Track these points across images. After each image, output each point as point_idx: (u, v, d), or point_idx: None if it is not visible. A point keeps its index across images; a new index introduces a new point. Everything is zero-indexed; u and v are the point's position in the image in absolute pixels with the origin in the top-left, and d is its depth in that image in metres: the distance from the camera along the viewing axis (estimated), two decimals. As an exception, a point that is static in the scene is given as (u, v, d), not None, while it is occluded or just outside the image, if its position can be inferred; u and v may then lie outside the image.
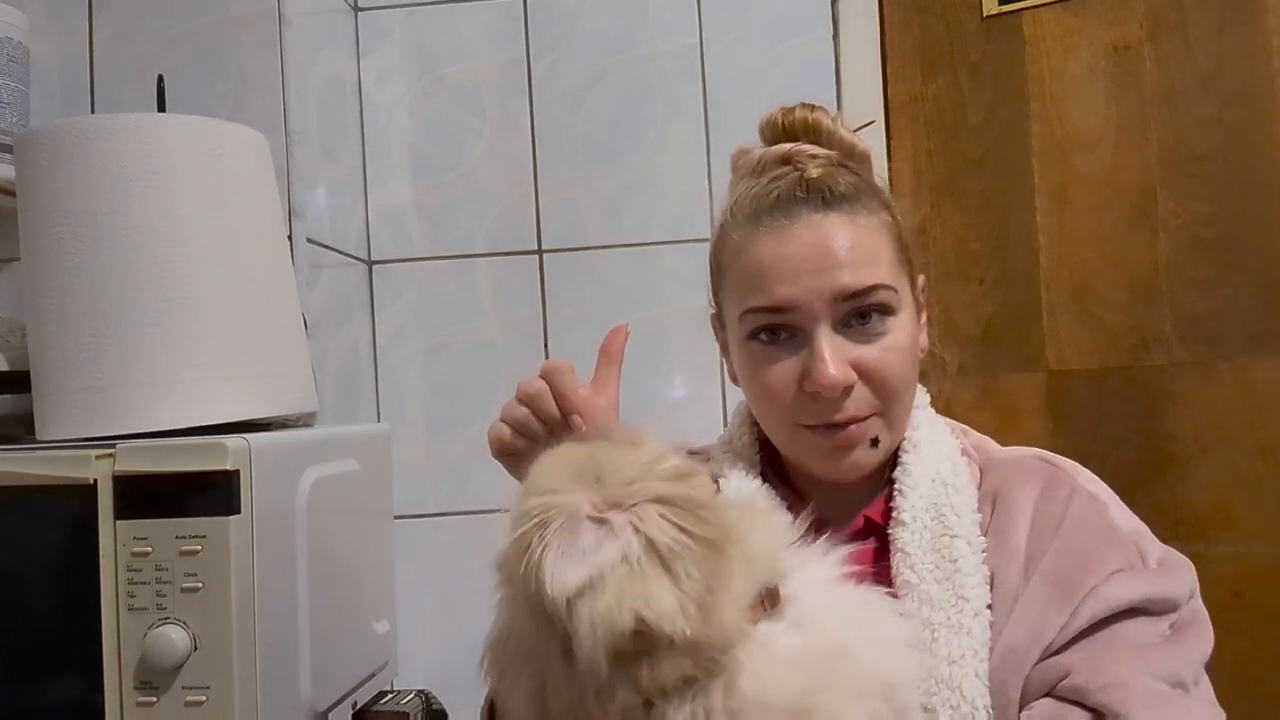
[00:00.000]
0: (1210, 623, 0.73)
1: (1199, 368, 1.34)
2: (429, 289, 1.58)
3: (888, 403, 0.77)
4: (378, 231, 1.58)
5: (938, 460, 0.80)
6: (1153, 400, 1.37)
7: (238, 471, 0.85)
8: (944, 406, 0.87)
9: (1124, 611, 0.70)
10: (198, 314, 0.93)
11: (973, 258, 1.48)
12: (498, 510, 0.63)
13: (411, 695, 1.06)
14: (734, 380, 0.84)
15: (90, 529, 0.85)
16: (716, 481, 0.79)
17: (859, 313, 0.76)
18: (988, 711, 0.69)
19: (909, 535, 0.76)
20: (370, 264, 1.58)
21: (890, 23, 1.53)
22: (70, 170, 0.92)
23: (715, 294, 0.85)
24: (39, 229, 0.93)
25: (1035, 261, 1.44)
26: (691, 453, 0.88)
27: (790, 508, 0.73)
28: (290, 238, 1.26)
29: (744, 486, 0.81)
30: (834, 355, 0.75)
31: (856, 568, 0.68)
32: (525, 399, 0.78)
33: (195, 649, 0.83)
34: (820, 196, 0.77)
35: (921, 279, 0.84)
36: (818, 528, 0.68)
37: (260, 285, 0.99)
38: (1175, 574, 0.73)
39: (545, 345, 1.56)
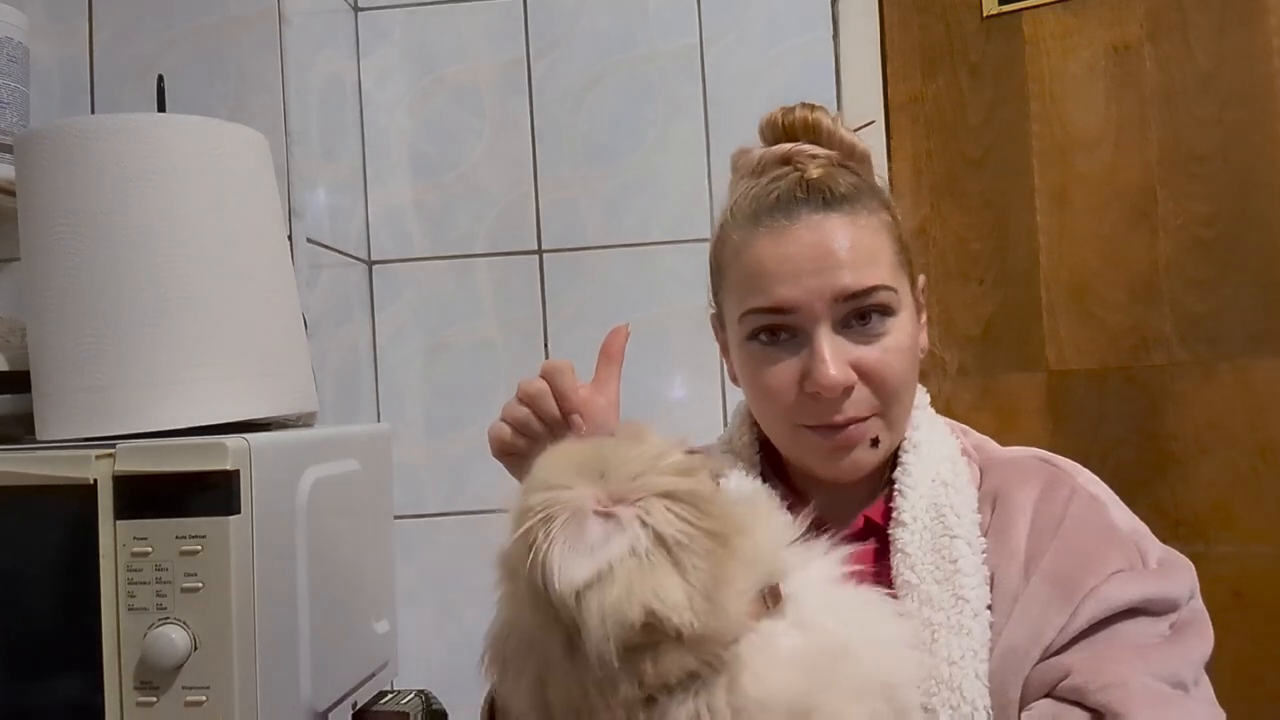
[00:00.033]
0: (1210, 623, 0.73)
1: (1199, 368, 1.34)
2: (429, 289, 1.58)
3: (888, 403, 0.77)
4: (378, 231, 1.58)
5: (938, 460, 0.80)
6: (1153, 400, 1.37)
7: (238, 471, 0.85)
8: (944, 406, 0.87)
9: (1124, 612, 0.70)
10: (198, 314, 0.93)
11: (973, 258, 1.48)
12: (498, 510, 0.63)
13: (411, 695, 1.06)
14: (734, 380, 0.84)
15: (90, 529, 0.85)
16: (716, 479, 0.79)
17: (859, 313, 0.76)
18: (988, 712, 0.69)
19: (909, 535, 0.76)
20: (370, 264, 1.58)
21: (890, 23, 1.53)
22: (70, 170, 0.92)
23: (715, 294, 0.85)
24: (39, 229, 0.93)
25: (1035, 261, 1.44)
26: (689, 453, 0.87)
27: (790, 508, 0.73)
28: (290, 238, 1.26)
29: (744, 486, 0.81)
30: (834, 356, 0.75)
31: (856, 568, 0.68)
32: (525, 398, 0.78)
33: (195, 649, 0.83)
34: (820, 197, 0.77)
35: (921, 279, 0.84)
36: (818, 528, 0.68)
37: (260, 285, 0.99)
38: (1175, 574, 0.73)
39: (545, 345, 1.56)
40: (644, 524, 0.56)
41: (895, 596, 0.73)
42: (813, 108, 0.82)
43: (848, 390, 0.76)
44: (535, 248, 1.57)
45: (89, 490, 0.85)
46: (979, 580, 0.73)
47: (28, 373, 0.96)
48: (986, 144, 1.48)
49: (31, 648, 0.87)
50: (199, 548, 0.83)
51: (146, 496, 0.84)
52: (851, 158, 0.82)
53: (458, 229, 1.58)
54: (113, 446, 0.86)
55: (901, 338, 0.78)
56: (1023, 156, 1.45)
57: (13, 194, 0.99)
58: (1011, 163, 1.46)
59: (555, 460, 0.63)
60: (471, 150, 1.57)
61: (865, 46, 1.53)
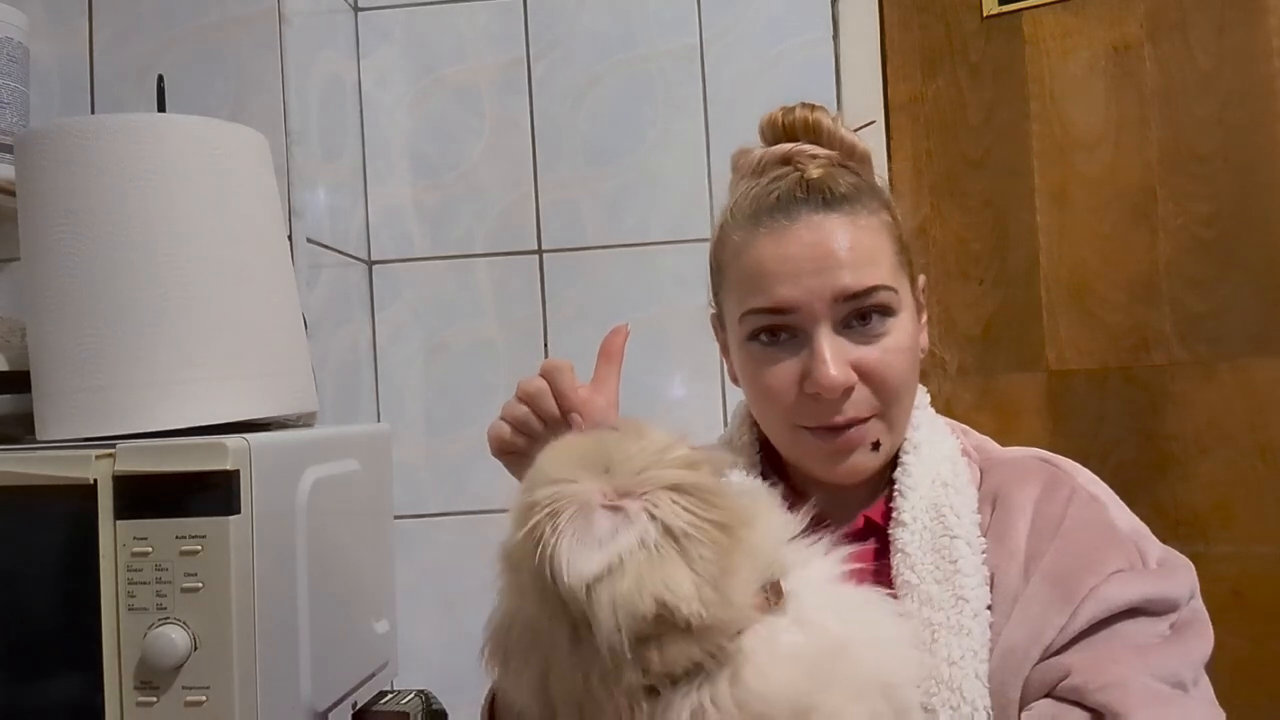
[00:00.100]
0: (1210, 623, 0.73)
1: (1199, 368, 1.34)
2: (429, 289, 1.58)
3: (888, 404, 0.77)
4: (378, 231, 1.58)
5: (938, 461, 0.80)
6: (1153, 400, 1.37)
7: (238, 471, 0.85)
8: (944, 406, 0.87)
9: (1124, 612, 0.70)
10: (198, 314, 0.93)
11: (973, 258, 1.48)
12: (498, 510, 0.63)
13: (411, 695, 1.06)
14: (734, 380, 0.84)
15: (90, 529, 0.85)
16: (720, 473, 0.79)
17: (859, 314, 0.76)
18: (987, 712, 0.69)
19: (909, 536, 0.76)
20: (370, 264, 1.58)
21: (890, 23, 1.53)
22: (70, 170, 0.92)
23: (715, 294, 0.85)
24: (39, 229, 0.93)
25: (1035, 261, 1.44)
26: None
27: (791, 507, 0.73)
28: (290, 238, 1.26)
29: (745, 485, 0.81)
30: (834, 356, 0.75)
31: (857, 568, 0.68)
32: (525, 397, 0.78)
33: (195, 649, 0.83)
34: (820, 197, 0.77)
35: (922, 279, 0.84)
36: (818, 527, 0.68)
37: (260, 285, 0.99)
38: (1175, 574, 0.73)
39: (545, 345, 1.56)
40: (652, 516, 0.57)
41: (895, 596, 0.73)
42: (813, 108, 0.82)
43: (848, 391, 0.76)
44: (535, 248, 1.57)
45: (89, 490, 0.85)
46: (979, 580, 0.73)
47: (28, 373, 0.96)
48: (986, 144, 1.48)
49: (31, 648, 0.87)
50: (199, 548, 0.83)
51: (146, 496, 0.84)
52: (852, 158, 0.82)
53: (458, 229, 1.58)
54: (113, 446, 0.86)
55: (902, 338, 0.78)
56: (1023, 156, 1.45)
57: (13, 194, 0.99)
58: (1011, 163, 1.46)
59: (558, 455, 0.63)
60: (471, 150, 1.57)
61: (865, 46, 1.53)
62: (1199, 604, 0.74)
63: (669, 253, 1.54)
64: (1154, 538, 0.76)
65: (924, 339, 0.83)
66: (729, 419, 0.91)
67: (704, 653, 0.57)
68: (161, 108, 1.15)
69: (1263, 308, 1.31)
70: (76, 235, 0.91)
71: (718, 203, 1.10)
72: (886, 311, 0.77)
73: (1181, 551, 0.76)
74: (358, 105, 1.56)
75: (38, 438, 0.93)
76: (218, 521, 0.84)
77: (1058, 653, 0.70)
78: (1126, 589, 0.71)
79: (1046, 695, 0.69)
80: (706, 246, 0.86)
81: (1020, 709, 0.70)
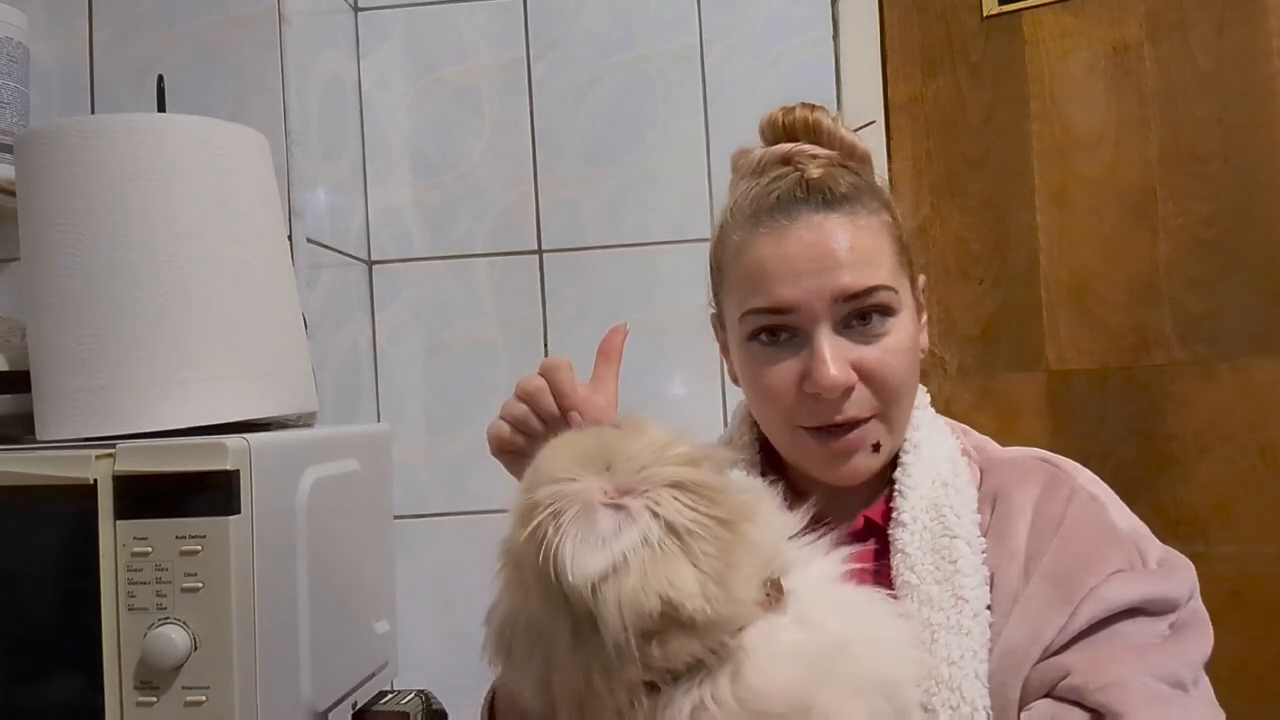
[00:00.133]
0: (1210, 623, 0.73)
1: (1199, 368, 1.34)
2: (429, 289, 1.58)
3: (888, 404, 0.77)
4: (378, 231, 1.58)
5: (938, 461, 0.80)
6: (1153, 400, 1.37)
7: (238, 471, 0.85)
8: (944, 406, 0.87)
9: (1123, 612, 0.70)
10: (198, 314, 0.93)
11: (973, 258, 1.48)
12: (498, 510, 0.63)
13: (411, 695, 1.06)
14: (734, 380, 0.84)
15: (90, 529, 0.85)
16: (722, 469, 0.79)
17: (859, 314, 0.76)
18: (987, 712, 0.69)
19: (909, 536, 0.76)
20: (370, 264, 1.58)
21: (890, 23, 1.53)
22: (70, 170, 0.92)
23: (715, 294, 0.85)
24: (39, 229, 0.93)
25: (1035, 261, 1.44)
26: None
27: (791, 507, 0.73)
28: (290, 238, 1.26)
29: (746, 483, 0.81)
30: (834, 356, 0.75)
31: (856, 568, 0.68)
32: (524, 396, 0.78)
33: (195, 649, 0.83)
34: (820, 197, 0.77)
35: (922, 279, 0.84)
36: (817, 527, 0.68)
37: (260, 285, 0.99)
38: (1175, 574, 0.73)
39: (545, 345, 1.56)
40: (654, 514, 0.57)
41: (895, 597, 0.73)
42: (813, 108, 0.82)
43: (848, 391, 0.76)
44: (535, 248, 1.57)
45: (89, 490, 0.85)
46: (979, 580, 0.73)
47: (28, 373, 0.96)
48: (986, 144, 1.48)
49: (31, 648, 0.87)
50: (199, 548, 0.83)
51: (146, 496, 0.84)
52: (852, 158, 0.82)
53: (458, 229, 1.58)
54: (113, 446, 0.86)
55: (902, 338, 0.78)
56: (1023, 156, 1.45)
57: (13, 194, 0.99)
58: (1011, 163, 1.46)
59: (558, 453, 0.63)
60: (471, 150, 1.57)
61: (865, 46, 1.53)
62: (1199, 604, 0.74)
63: (669, 253, 1.54)
64: (1154, 538, 0.76)
65: (924, 339, 0.83)
66: (729, 419, 0.91)
67: (705, 649, 0.57)
68: (161, 108, 1.15)
69: (1263, 308, 1.31)
70: (76, 235, 0.91)
71: (718, 203, 1.10)
72: (886, 311, 0.77)
73: (1181, 551, 0.76)
74: (358, 105, 1.56)
75: (38, 438, 0.93)
76: (218, 521, 0.84)
77: (1057, 653, 0.70)
78: (1126, 589, 0.71)
79: (1046, 695, 0.69)
80: (706, 246, 0.86)
81: (1020, 709, 0.70)
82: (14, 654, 0.87)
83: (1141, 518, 0.78)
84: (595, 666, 0.57)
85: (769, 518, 0.66)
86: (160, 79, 1.16)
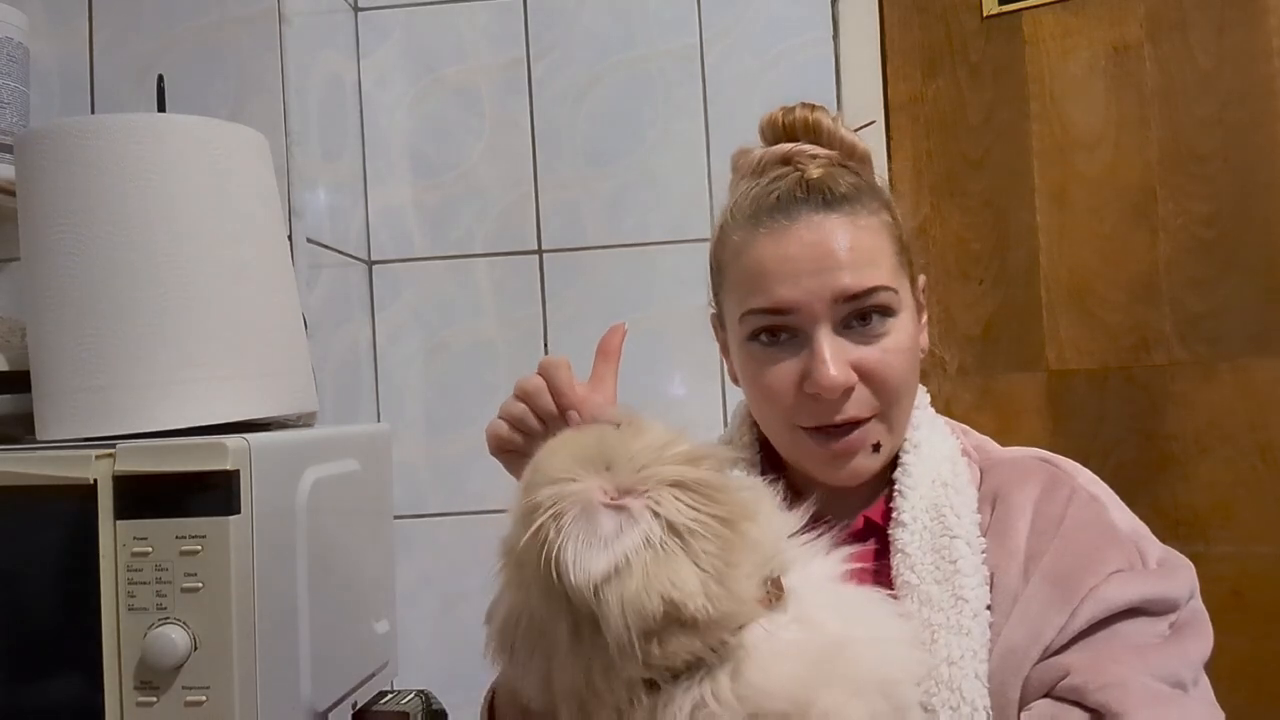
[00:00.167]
0: (1210, 623, 0.73)
1: (1199, 368, 1.34)
2: (429, 289, 1.58)
3: (888, 404, 0.77)
4: (378, 231, 1.58)
5: (938, 461, 0.80)
6: (1153, 400, 1.37)
7: (238, 471, 0.85)
8: (944, 406, 0.87)
9: (1123, 612, 0.70)
10: (198, 314, 0.93)
11: (973, 258, 1.48)
12: (498, 510, 0.63)
13: (411, 695, 1.06)
14: (734, 380, 0.84)
15: (90, 529, 0.85)
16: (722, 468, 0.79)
17: (859, 314, 0.76)
18: (987, 712, 0.69)
19: (909, 536, 0.76)
20: (370, 264, 1.58)
21: (890, 23, 1.53)
22: (70, 170, 0.92)
23: (715, 294, 0.85)
24: (39, 229, 0.93)
25: (1035, 261, 1.44)
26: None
27: (791, 506, 0.73)
28: (290, 238, 1.26)
29: (745, 482, 0.81)
30: (834, 356, 0.75)
31: (857, 568, 0.68)
32: (523, 395, 0.78)
33: (195, 649, 0.83)
34: (821, 197, 0.77)
35: (922, 279, 0.84)
36: (817, 527, 0.68)
37: (260, 285, 0.99)
38: (1175, 574, 0.73)
39: (545, 345, 1.56)
40: (655, 514, 0.57)
41: (895, 597, 0.73)
42: (813, 108, 0.82)
43: (848, 391, 0.76)
44: (535, 248, 1.57)
45: (89, 490, 0.85)
46: (979, 580, 0.73)
47: (28, 373, 0.96)
48: (986, 144, 1.48)
49: (31, 648, 0.87)
50: (199, 548, 0.83)
51: (146, 496, 0.84)
52: (852, 158, 0.82)
53: (458, 229, 1.58)
54: (113, 446, 0.86)
55: (902, 338, 0.78)
56: (1022, 156, 1.45)
57: (13, 194, 0.99)
58: (1011, 163, 1.46)
59: (558, 452, 0.63)
60: (471, 150, 1.57)
61: (865, 46, 1.53)
62: (1199, 604, 0.74)
63: (669, 253, 1.54)
64: (1154, 538, 0.76)
65: (924, 339, 0.83)
66: (729, 419, 0.91)
67: (706, 647, 0.57)
68: (161, 108, 1.15)
69: (1263, 308, 1.31)
70: (76, 235, 0.91)
71: (718, 203, 1.10)
72: (886, 312, 0.77)
73: (1181, 551, 0.76)
74: (358, 105, 1.56)
75: (38, 438, 0.93)
76: (218, 521, 0.84)
77: (1057, 652, 0.70)
78: (1126, 589, 0.71)
79: (1046, 695, 0.69)
80: (706, 246, 0.86)
81: (1020, 709, 0.70)
82: (14, 654, 0.87)
83: (1141, 518, 0.78)
84: (596, 665, 0.57)
85: (769, 516, 0.66)
86: (160, 79, 1.16)
